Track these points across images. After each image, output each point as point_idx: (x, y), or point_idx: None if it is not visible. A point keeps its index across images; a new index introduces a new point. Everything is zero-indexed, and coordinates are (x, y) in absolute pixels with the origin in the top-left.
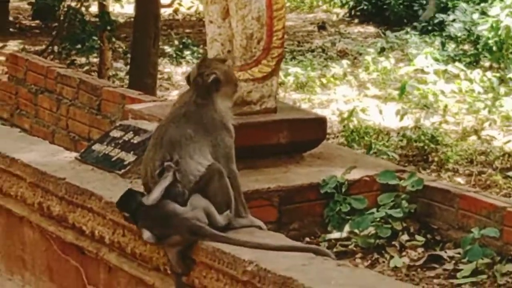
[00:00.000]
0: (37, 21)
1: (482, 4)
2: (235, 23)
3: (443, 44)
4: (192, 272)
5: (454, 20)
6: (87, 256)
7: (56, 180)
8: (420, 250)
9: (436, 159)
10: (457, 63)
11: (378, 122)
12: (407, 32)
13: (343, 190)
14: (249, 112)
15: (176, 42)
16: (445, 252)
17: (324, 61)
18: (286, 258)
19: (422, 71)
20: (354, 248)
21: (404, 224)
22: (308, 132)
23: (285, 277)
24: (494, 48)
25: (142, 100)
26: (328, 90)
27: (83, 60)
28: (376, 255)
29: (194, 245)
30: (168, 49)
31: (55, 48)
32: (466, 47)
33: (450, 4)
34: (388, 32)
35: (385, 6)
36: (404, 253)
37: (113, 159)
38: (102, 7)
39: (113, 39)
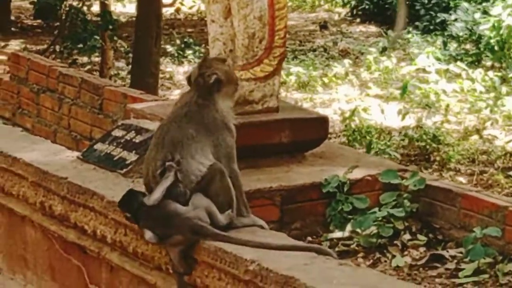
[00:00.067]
0: (39, 21)
1: (484, 4)
2: (237, 22)
3: (445, 44)
4: (194, 271)
5: (456, 20)
6: (89, 256)
7: (58, 179)
8: (422, 249)
9: (438, 158)
10: (459, 63)
11: (380, 121)
12: (409, 32)
13: (345, 189)
14: (251, 111)
15: (178, 42)
16: (447, 251)
17: (326, 61)
18: (288, 258)
19: (424, 70)
20: (356, 248)
21: (406, 224)
22: (310, 132)
23: (287, 277)
24: (496, 48)
25: (144, 99)
26: (329, 90)
27: (85, 59)
28: (378, 255)
29: (196, 244)
30: (170, 48)
31: (57, 47)
32: (468, 46)
33: (452, 4)
34: (389, 32)
35: (386, 6)
36: (406, 253)
37: (115, 158)
38: (104, 6)
39: (115, 39)
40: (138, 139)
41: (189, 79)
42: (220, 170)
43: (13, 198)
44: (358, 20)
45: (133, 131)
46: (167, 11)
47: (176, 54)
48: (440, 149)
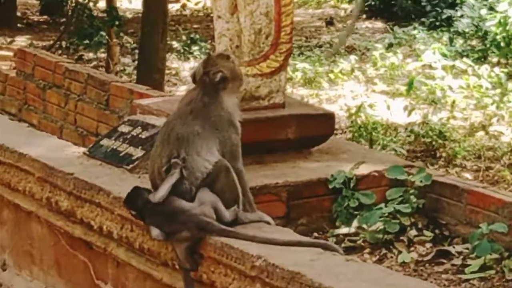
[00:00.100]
0: (45, 17)
1: (490, 0)
2: (243, 18)
3: (451, 40)
4: (200, 267)
5: (462, 16)
6: (95, 251)
7: (64, 175)
8: (428, 245)
9: (444, 154)
10: (465, 59)
11: (385, 117)
12: (415, 28)
13: (352, 185)
14: (257, 107)
15: (184, 38)
16: (453, 247)
17: (332, 57)
18: (294, 253)
19: (430, 66)
20: (362, 243)
21: (412, 219)
22: (316, 128)
23: (293, 272)
24: (502, 44)
25: (150, 95)
26: (335, 86)
27: (91, 55)
28: (384, 250)
29: (202, 240)
30: (175, 44)
31: (63, 43)
32: (474, 42)
33: (458, 0)
34: (396, 28)
35: (392, 2)
36: (412, 248)
37: (121, 154)
38: (110, 2)
39: (121, 34)
40: (144, 135)
41: (193, 76)
42: (225, 167)
43: (19, 194)
44: (364, 16)
45: (139, 127)
46: (173, 7)
47: (182, 50)
48: (446, 145)
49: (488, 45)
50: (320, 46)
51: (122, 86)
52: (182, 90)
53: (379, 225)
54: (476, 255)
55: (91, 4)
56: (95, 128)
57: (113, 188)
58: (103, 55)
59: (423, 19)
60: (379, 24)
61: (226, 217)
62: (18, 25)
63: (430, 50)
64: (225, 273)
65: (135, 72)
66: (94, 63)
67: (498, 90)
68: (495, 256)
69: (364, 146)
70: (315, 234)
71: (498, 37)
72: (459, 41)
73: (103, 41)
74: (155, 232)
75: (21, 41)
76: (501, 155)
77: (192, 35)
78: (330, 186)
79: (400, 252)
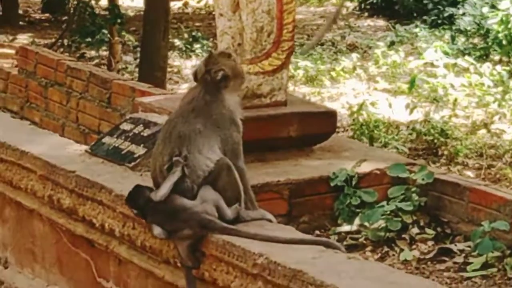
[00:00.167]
0: (47, 14)
1: None
2: (245, 16)
3: (452, 38)
4: (202, 265)
5: (463, 14)
6: (97, 249)
7: (66, 173)
8: (430, 243)
9: (445, 152)
10: (466, 57)
11: (387, 115)
12: (416, 26)
13: (353, 183)
14: (259, 105)
15: (186, 36)
16: (455, 245)
17: (334, 55)
18: (296, 251)
19: (432, 64)
20: (364, 241)
21: (414, 217)
22: (318, 125)
23: (295, 270)
24: (504, 42)
25: (152, 93)
26: (337, 84)
27: (92, 53)
28: (386, 248)
29: (204, 238)
30: (177, 42)
31: (65, 41)
32: (475, 40)
33: None
34: (397, 26)
35: (394, 0)
36: (414, 246)
37: (123, 152)
38: (112, 0)
39: (123, 33)
40: (146, 132)
41: (195, 74)
42: (227, 165)
43: (21, 192)
44: (366, 14)
45: (141, 125)
46: (175, 5)
47: (184, 48)
48: (448, 143)
49: (490, 43)
50: (322, 44)
51: (124, 84)
52: (184, 88)
53: (381, 223)
54: (478, 253)
55: (93, 2)
56: (97, 126)
57: (115, 186)
58: (105, 53)
59: (425, 17)
60: (381, 22)
61: (228, 215)
62: (20, 23)
63: (432, 48)
64: (227, 271)
65: (137, 70)
66: (96, 61)
67: (500, 88)
68: (497, 254)
69: (365, 144)
70: (317, 232)
71: (500, 35)
72: (461, 39)
73: (105, 39)
74: (157, 230)
75: (23, 39)
76: (503, 153)
77: (194, 33)
78: (332, 184)
79: (402, 250)
